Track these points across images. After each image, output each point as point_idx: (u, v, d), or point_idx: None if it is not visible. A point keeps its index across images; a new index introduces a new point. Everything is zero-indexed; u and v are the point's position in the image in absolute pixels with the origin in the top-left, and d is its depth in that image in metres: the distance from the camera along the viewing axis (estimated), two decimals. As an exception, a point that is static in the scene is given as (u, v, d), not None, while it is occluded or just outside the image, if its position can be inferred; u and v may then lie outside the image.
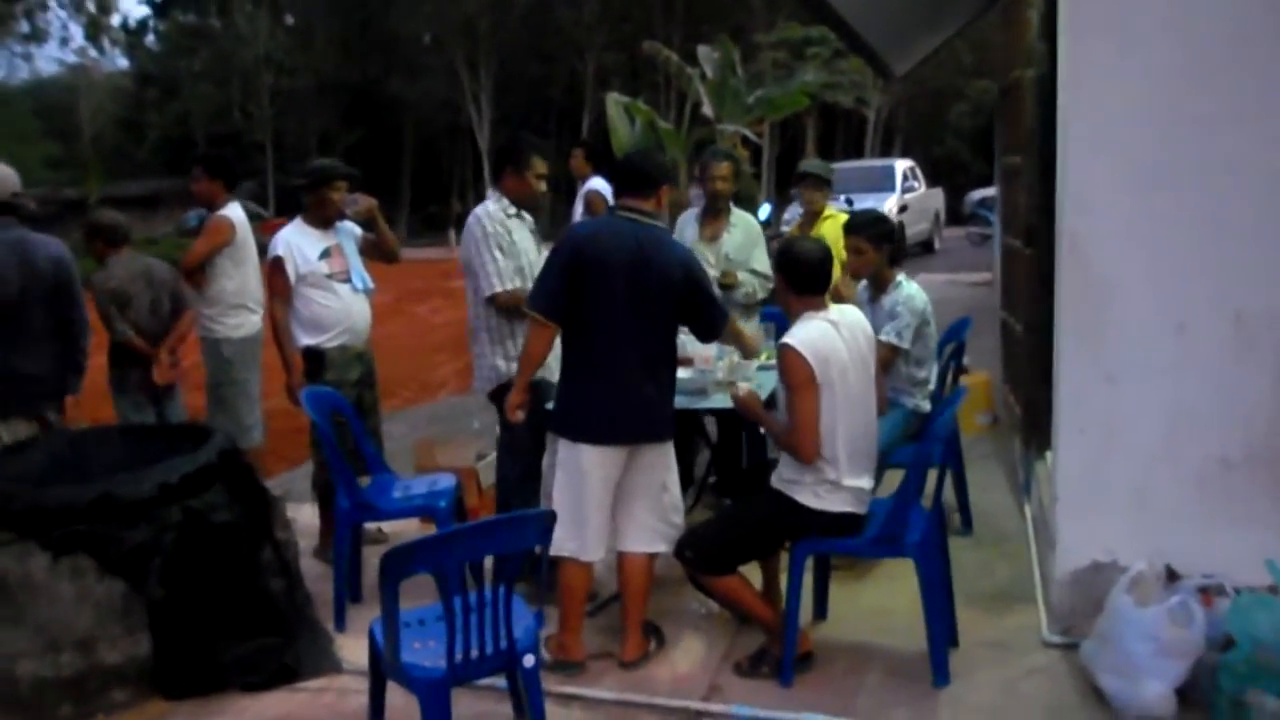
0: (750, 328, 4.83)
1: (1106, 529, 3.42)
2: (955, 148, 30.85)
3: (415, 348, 11.40)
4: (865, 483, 3.32)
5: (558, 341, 3.50)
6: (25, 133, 34.39)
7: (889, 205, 16.15)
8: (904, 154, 25.62)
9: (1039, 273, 4.39)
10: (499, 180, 4.15)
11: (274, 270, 4.37)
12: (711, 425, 4.91)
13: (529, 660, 2.74)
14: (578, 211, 6.85)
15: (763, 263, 4.83)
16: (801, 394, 3.18)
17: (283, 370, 4.44)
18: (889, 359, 4.15)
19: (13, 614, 3.28)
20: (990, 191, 13.97)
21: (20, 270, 4.12)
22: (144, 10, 39.42)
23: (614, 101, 16.96)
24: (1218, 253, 3.25)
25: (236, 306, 4.97)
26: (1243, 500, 3.28)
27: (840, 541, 3.38)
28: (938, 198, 20.29)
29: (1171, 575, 3.26)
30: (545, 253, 3.77)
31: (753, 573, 3.54)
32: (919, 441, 4.04)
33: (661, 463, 3.51)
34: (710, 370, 4.02)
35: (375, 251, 4.67)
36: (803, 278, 3.33)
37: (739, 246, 4.84)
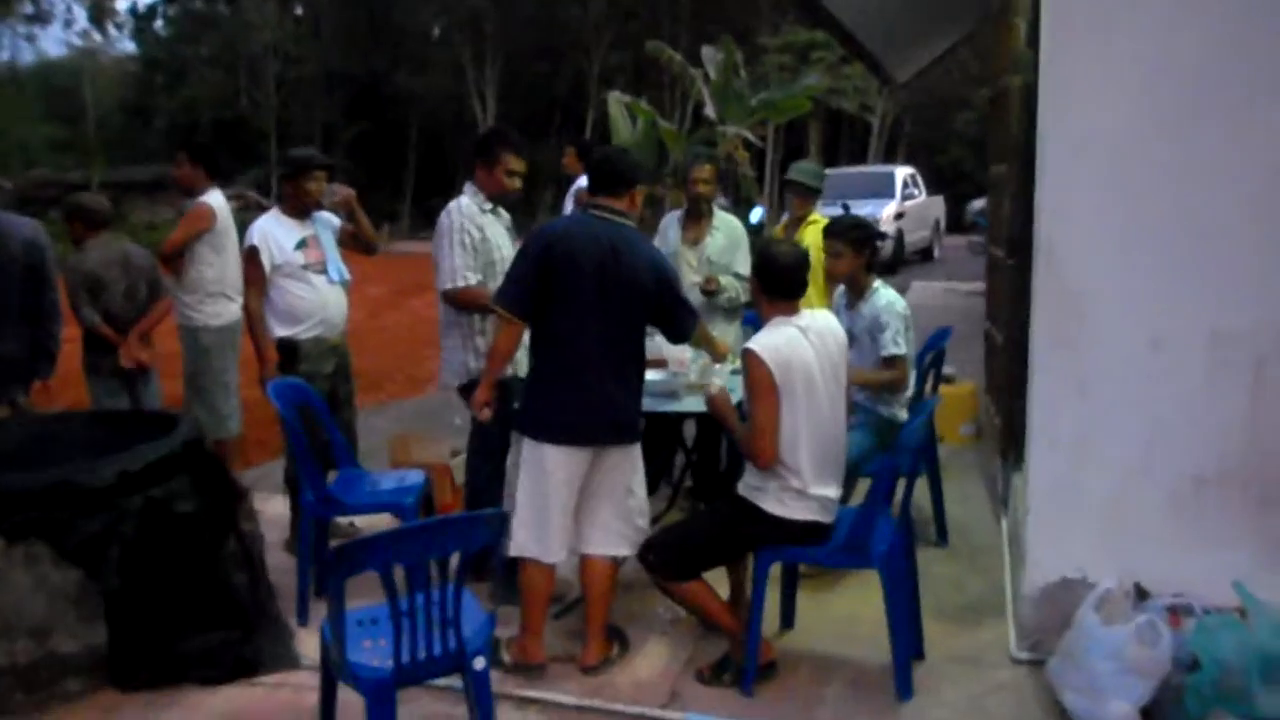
0: (733, 332, 4.80)
1: (1077, 544, 3.37)
2: (959, 156, 30.75)
3: (407, 341, 11.35)
4: (831, 491, 3.28)
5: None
6: (30, 115, 34.42)
7: (886, 212, 16.12)
8: (908, 161, 25.54)
9: (1020, 283, 4.34)
10: (472, 175, 4.10)
11: (249, 260, 4.33)
12: (690, 428, 4.87)
13: (479, 663, 2.69)
14: (568, 209, 6.81)
15: (745, 266, 4.77)
16: (761, 399, 3.14)
17: (257, 361, 4.40)
18: (900, 370, 4.14)
19: (-34, 600, 3.23)
20: (989, 200, 13.92)
21: (-9, 252, 4.09)
22: (154, -5, 39.26)
23: (615, 100, 16.95)
24: (1196, 266, 3.20)
25: (215, 294, 4.93)
26: (1214, 520, 3.23)
27: (804, 550, 3.33)
28: (938, 206, 20.25)
29: (1141, 594, 3.22)
30: None
31: (721, 579, 3.50)
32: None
33: (627, 465, 3.46)
34: (683, 373, 3.98)
35: (354, 242, 4.63)
36: (776, 281, 3.28)
37: (721, 250, 4.80)
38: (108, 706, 3.31)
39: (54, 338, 4.36)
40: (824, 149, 30.44)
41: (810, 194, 5.18)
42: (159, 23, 40.69)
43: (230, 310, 4.95)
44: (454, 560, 2.60)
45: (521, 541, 3.38)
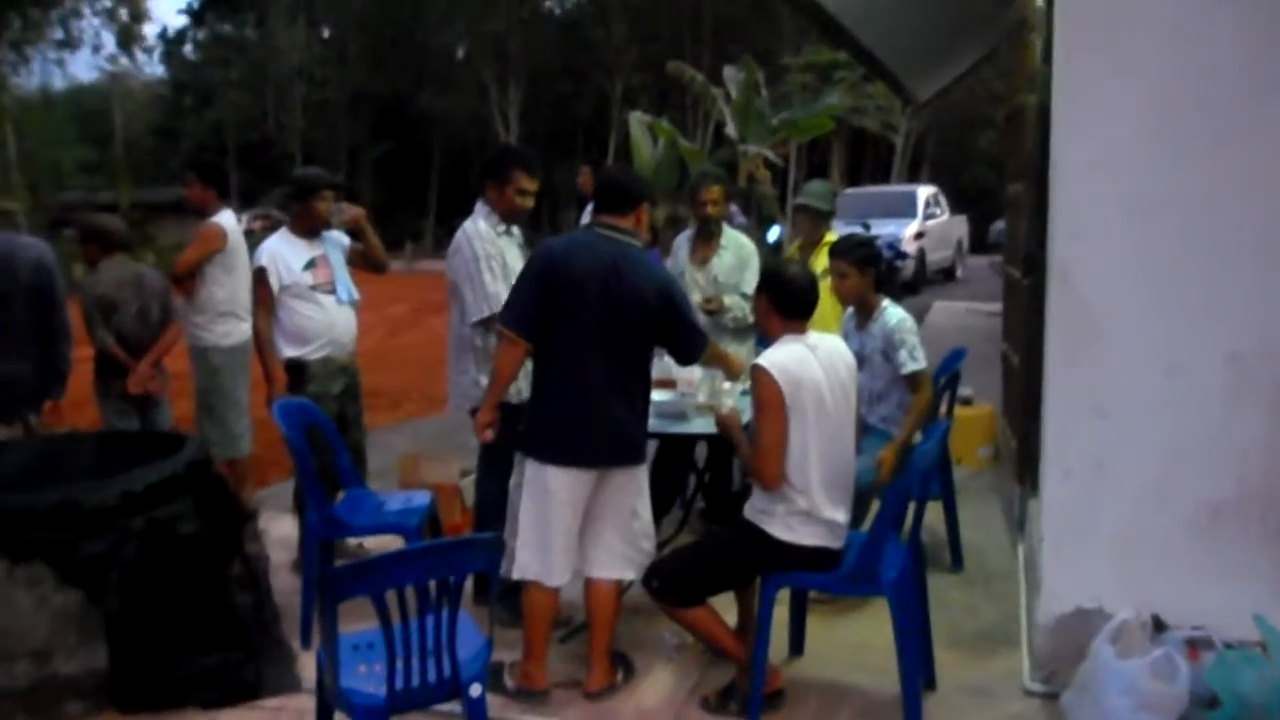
0: (743, 352, 4.74)
1: (1093, 573, 3.28)
2: (983, 175, 30.59)
3: (426, 360, 11.33)
4: (840, 516, 3.21)
5: None
6: (62, 138, 34.96)
7: (908, 232, 16.02)
8: (932, 180, 25.43)
9: (1035, 303, 4.26)
10: (484, 193, 4.07)
11: (257, 281, 4.33)
12: (702, 449, 4.81)
13: (475, 689, 2.64)
14: (583, 229, 6.78)
15: (753, 285, 4.73)
16: (768, 416, 3.08)
17: (265, 382, 4.39)
18: (924, 387, 4.07)
19: (-32, 621, 3.22)
20: (1012, 220, 13.80)
21: (0, 273, 4.10)
22: (184, 20, 39.93)
23: (637, 121, 17.01)
24: (1213, 287, 3.11)
25: (225, 314, 4.94)
26: (1233, 548, 3.14)
27: (812, 576, 3.26)
28: (961, 225, 20.12)
29: (1159, 625, 3.12)
30: None
31: (730, 605, 3.44)
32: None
33: (632, 487, 3.41)
34: (691, 394, 3.93)
35: (363, 261, 4.62)
36: (788, 301, 3.23)
37: (728, 270, 4.75)
38: (108, 729, 3.29)
39: (64, 358, 4.36)
40: (847, 168, 30.42)
41: (821, 217, 5.09)
42: (187, 47, 41.40)
43: (241, 330, 4.95)
44: (449, 586, 2.55)
45: (524, 563, 3.33)
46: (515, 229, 4.11)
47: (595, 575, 3.43)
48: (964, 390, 5.39)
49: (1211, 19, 3.08)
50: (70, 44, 29.97)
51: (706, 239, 4.85)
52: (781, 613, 3.45)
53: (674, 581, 3.25)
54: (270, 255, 4.31)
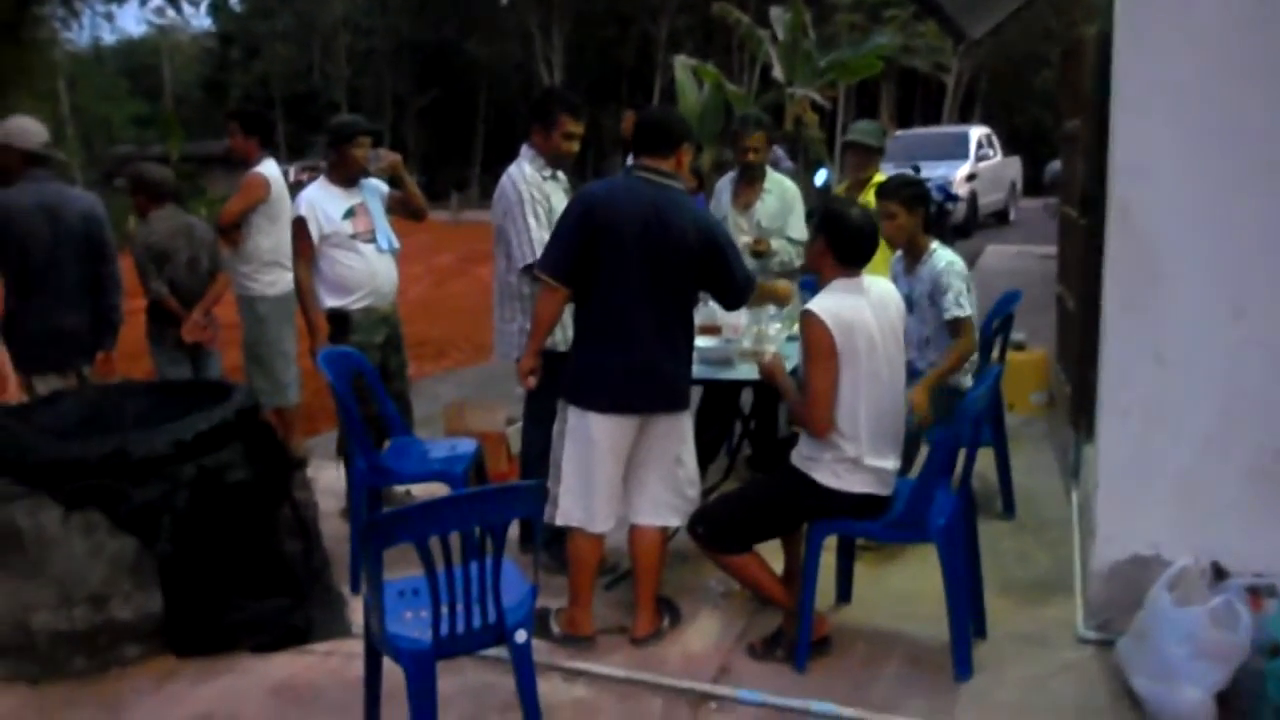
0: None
1: (1150, 520, 3.19)
2: (1038, 115, 29.77)
3: (472, 309, 11.39)
4: (889, 463, 3.15)
5: None
6: (114, 92, 35.35)
7: (960, 174, 15.65)
8: (984, 121, 24.78)
9: (1093, 244, 4.12)
10: (529, 137, 4.00)
11: (297, 231, 4.30)
12: (748, 395, 4.76)
13: (520, 635, 2.64)
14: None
15: (798, 230, 4.64)
16: (820, 364, 3.01)
17: (308, 333, 4.40)
18: (966, 334, 3.97)
19: (28, 567, 3.29)
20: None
21: (51, 225, 4.14)
22: (230, -28, 39.95)
23: (682, 64, 16.73)
24: (1281, 226, 2.97)
25: (271, 264, 4.95)
26: (1298, 495, 3.03)
27: (859, 524, 3.21)
28: (1015, 167, 19.62)
29: (1219, 573, 3.04)
30: None
31: (777, 551, 3.41)
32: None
33: (675, 433, 3.38)
34: (736, 340, 3.87)
35: (402, 209, 4.59)
36: (847, 246, 3.12)
37: (772, 214, 4.66)
38: (164, 672, 3.36)
39: (116, 309, 4.41)
40: (896, 110, 29.77)
41: (871, 154, 4.97)
42: (234, 0, 41.45)
43: (286, 279, 4.95)
44: (493, 532, 2.55)
45: (567, 509, 3.32)
46: (561, 174, 4.05)
47: (640, 522, 3.41)
48: (1017, 334, 5.25)
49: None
50: (117, -3, 30.16)
51: (749, 182, 4.75)
52: (829, 559, 3.41)
53: (720, 528, 3.22)
54: (309, 204, 4.28)
